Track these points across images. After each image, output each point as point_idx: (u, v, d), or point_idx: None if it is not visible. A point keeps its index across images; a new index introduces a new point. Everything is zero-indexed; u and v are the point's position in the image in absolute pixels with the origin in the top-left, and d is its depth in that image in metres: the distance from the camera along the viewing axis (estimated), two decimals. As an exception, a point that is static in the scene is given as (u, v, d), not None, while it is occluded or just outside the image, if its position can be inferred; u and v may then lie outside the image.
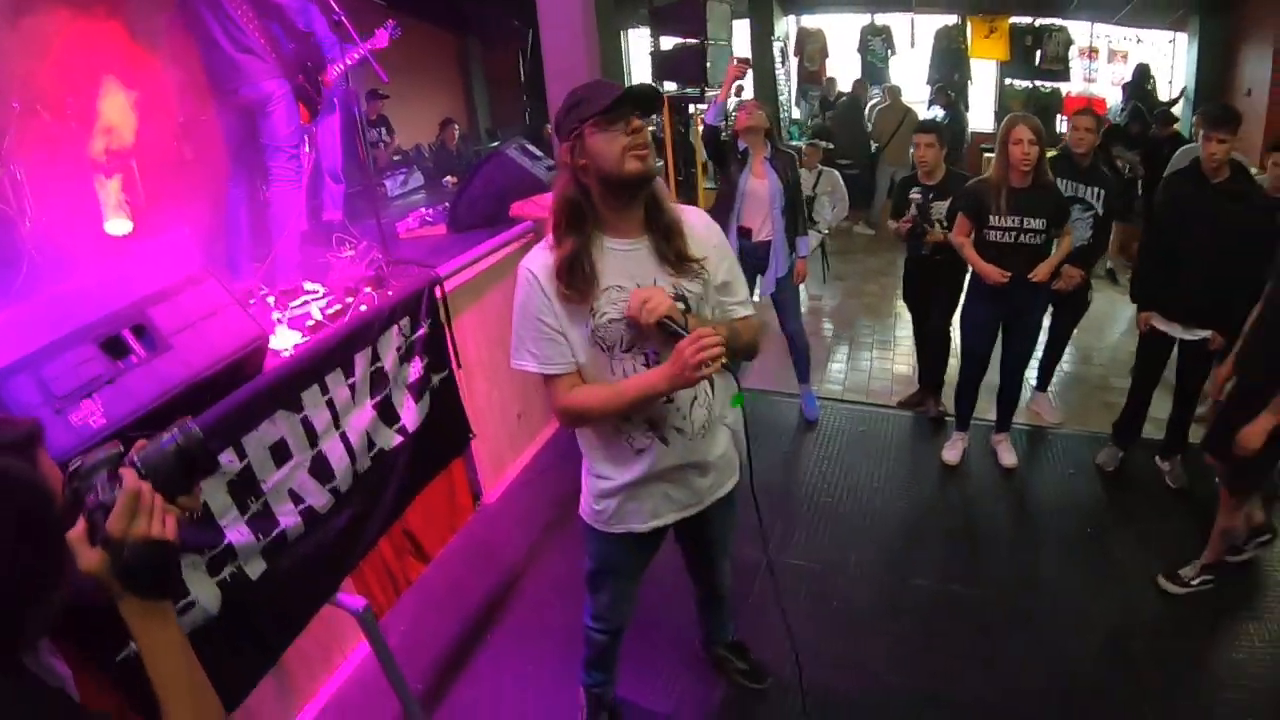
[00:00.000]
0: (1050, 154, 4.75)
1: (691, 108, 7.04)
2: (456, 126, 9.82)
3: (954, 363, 5.49)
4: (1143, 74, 11.69)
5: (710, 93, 6.00)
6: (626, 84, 2.32)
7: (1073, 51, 12.92)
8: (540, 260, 2.29)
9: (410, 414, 3.39)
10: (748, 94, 12.76)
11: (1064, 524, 4.64)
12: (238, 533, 2.53)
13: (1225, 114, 4.24)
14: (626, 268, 2.28)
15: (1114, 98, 12.22)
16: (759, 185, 5.22)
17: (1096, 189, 5.04)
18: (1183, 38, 12.10)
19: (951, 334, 5.59)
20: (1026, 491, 5.01)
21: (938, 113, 11.22)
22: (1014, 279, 4.55)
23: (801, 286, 5.70)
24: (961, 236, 4.73)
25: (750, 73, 12.72)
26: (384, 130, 8.91)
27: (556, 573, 4.16)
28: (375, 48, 4.88)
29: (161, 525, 1.33)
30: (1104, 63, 13.13)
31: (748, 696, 3.43)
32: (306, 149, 4.95)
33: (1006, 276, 4.53)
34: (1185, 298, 4.52)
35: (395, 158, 8.95)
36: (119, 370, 2.49)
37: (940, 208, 5.18)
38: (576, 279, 2.21)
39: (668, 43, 6.61)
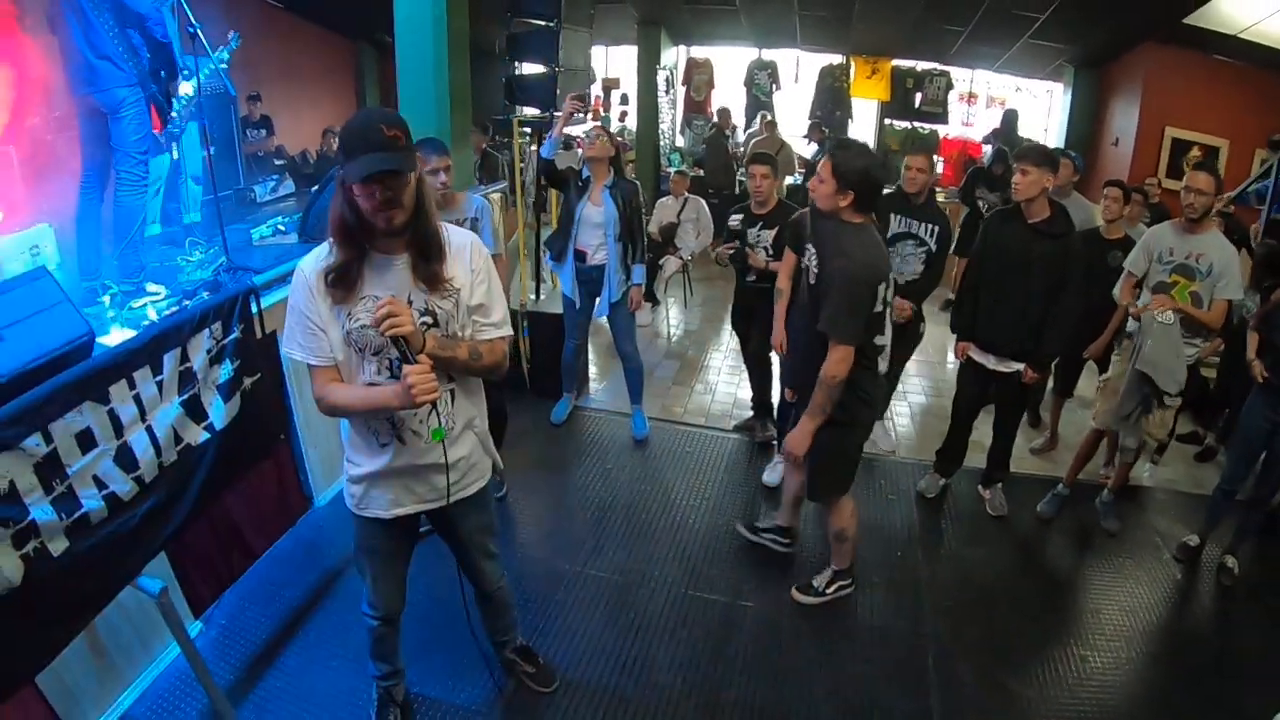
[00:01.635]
0: (887, 190, 5.01)
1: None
2: (332, 135, 9.89)
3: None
4: (1011, 119, 12.28)
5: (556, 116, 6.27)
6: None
7: (952, 96, 13.48)
8: (315, 259, 2.55)
9: (219, 413, 3.58)
10: (630, 120, 13.13)
11: (872, 548, 4.77)
12: (42, 511, 2.72)
13: (1032, 150, 4.61)
14: (385, 280, 2.52)
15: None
16: (594, 212, 5.46)
17: (930, 225, 5.21)
18: (1059, 88, 12.70)
19: (772, 358, 5.68)
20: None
21: (813, 148, 11.63)
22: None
23: (638, 314, 5.90)
24: (784, 280, 4.60)
25: (632, 99, 13.13)
26: (265, 132, 9.06)
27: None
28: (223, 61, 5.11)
29: None
30: (982, 108, 13.72)
31: (539, 696, 3.63)
32: (175, 154, 5.14)
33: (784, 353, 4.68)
34: (998, 331, 4.76)
35: (278, 161, 9.07)
36: None
37: (767, 236, 5.33)
38: (338, 285, 2.48)
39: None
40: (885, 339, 3.94)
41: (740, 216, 5.50)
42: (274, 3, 9.38)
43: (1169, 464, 5.95)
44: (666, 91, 13.63)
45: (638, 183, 5.85)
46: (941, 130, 13.53)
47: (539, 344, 6.35)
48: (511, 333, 2.83)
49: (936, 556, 4.83)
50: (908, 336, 5.62)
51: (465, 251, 2.67)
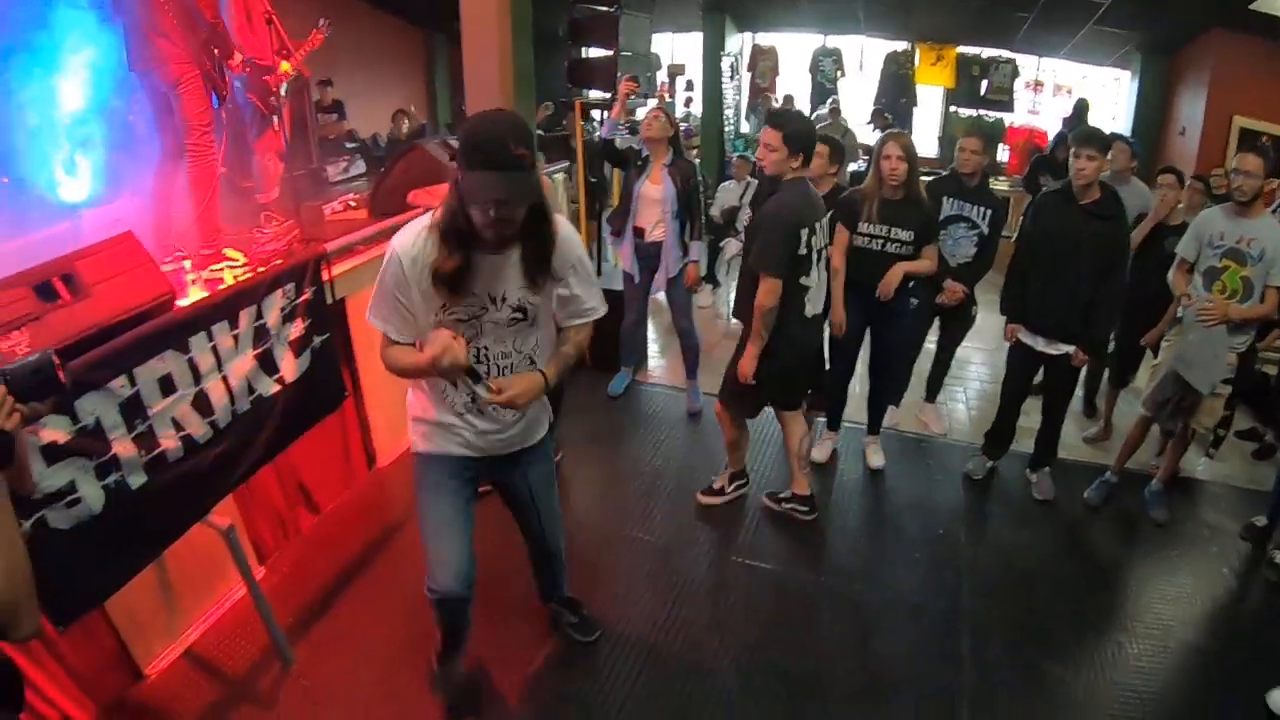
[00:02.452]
0: (942, 173, 5.15)
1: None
2: (407, 119, 10.23)
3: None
4: (1082, 108, 12.07)
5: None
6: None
7: (1018, 83, 13.37)
8: (412, 244, 2.52)
9: (289, 367, 3.82)
10: (696, 106, 13.27)
11: (916, 525, 4.91)
12: (123, 446, 2.98)
13: (1091, 134, 4.61)
14: (494, 275, 2.57)
15: (1056, 130, 12.56)
16: (654, 189, 5.63)
17: (982, 208, 5.30)
18: (1126, 75, 12.56)
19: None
20: (888, 493, 5.28)
21: (877, 135, 11.69)
22: (878, 284, 4.85)
23: (698, 294, 6.07)
24: (838, 259, 4.90)
25: (698, 85, 13.28)
26: (337, 115, 9.38)
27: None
28: (312, 46, 5.38)
29: (6, 418, 1.75)
30: (1049, 96, 13.57)
31: (581, 646, 3.83)
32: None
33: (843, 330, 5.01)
34: (1048, 312, 4.79)
35: (349, 144, 9.38)
36: (45, 310, 3.03)
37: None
38: (453, 288, 2.52)
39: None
40: (811, 281, 4.24)
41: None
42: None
43: (1225, 459, 5.89)
44: (732, 78, 13.69)
45: (696, 162, 5.97)
46: (1007, 118, 13.43)
47: (600, 320, 6.46)
48: (605, 308, 2.94)
49: (980, 538, 4.88)
50: (959, 319, 5.74)
51: (567, 244, 2.68)
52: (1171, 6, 10.06)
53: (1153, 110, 11.87)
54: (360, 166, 8.67)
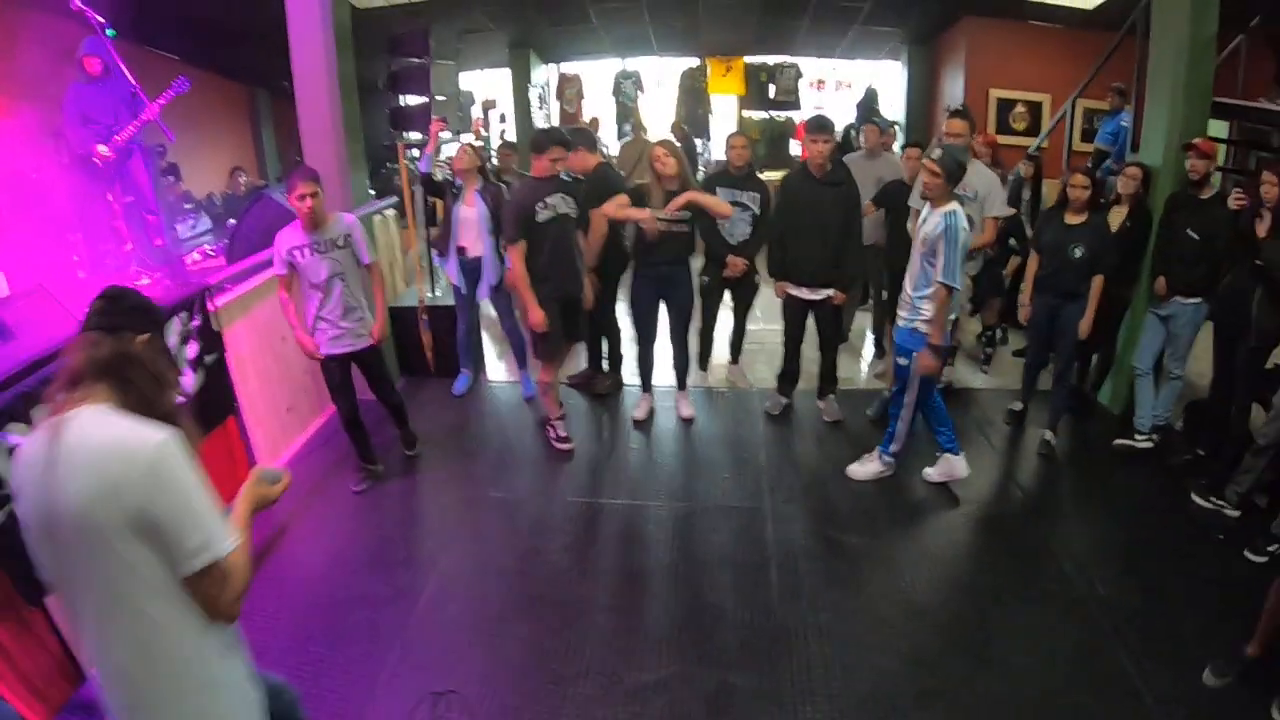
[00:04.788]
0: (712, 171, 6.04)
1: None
2: (244, 174, 10.76)
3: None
4: (871, 95, 13.64)
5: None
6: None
7: (803, 84, 14.82)
8: None
9: (189, 381, 4.56)
10: (510, 135, 14.00)
11: (725, 455, 5.88)
12: None
13: (820, 122, 5.65)
14: None
15: (842, 122, 13.88)
16: (469, 212, 6.44)
17: (752, 193, 6.17)
18: (898, 65, 14.03)
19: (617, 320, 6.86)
20: (699, 435, 6.22)
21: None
22: (665, 262, 5.83)
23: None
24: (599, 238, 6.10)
25: (511, 116, 14.03)
26: (173, 178, 9.84)
27: (316, 529, 5.18)
28: (162, 104, 6.10)
29: None
30: (831, 91, 15.09)
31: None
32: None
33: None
34: (806, 266, 5.82)
35: (186, 205, 9.81)
36: None
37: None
38: None
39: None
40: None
41: None
42: (169, 55, 9.95)
43: (1001, 373, 7.24)
44: (541, 106, 14.57)
45: (501, 185, 6.79)
46: (797, 117, 14.55)
47: (438, 333, 7.23)
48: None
49: (781, 457, 5.82)
50: (745, 287, 6.62)
51: None
52: (923, 3, 11.49)
53: (921, 93, 13.43)
54: (207, 223, 9.23)
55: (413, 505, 5.51)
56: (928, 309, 4.83)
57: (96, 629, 1.93)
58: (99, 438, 1.85)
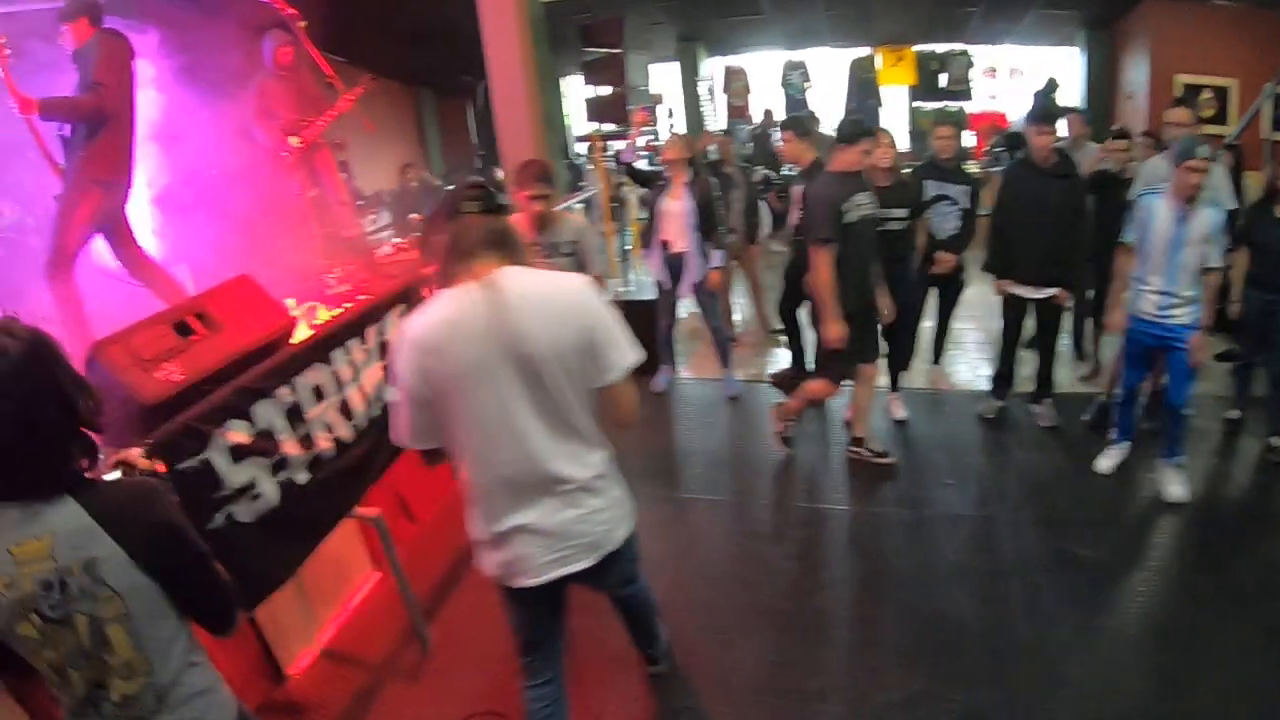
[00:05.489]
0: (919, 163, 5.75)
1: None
2: (414, 169, 10.73)
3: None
4: (1050, 86, 12.82)
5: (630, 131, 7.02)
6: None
7: (974, 73, 14.13)
8: None
9: None
10: (679, 128, 13.81)
11: (945, 458, 5.55)
12: (290, 446, 3.46)
13: (1046, 112, 5.33)
14: None
15: (1015, 113, 13.42)
16: (675, 205, 6.20)
17: (961, 187, 5.83)
18: (1074, 51, 13.27)
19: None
20: (916, 437, 5.91)
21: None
22: (885, 259, 5.35)
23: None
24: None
25: (677, 111, 13.85)
26: (344, 174, 9.88)
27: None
28: (352, 99, 5.96)
29: None
30: (1005, 80, 14.33)
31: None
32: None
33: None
34: (1030, 264, 5.45)
35: (359, 202, 9.89)
36: (190, 343, 3.52)
37: (797, 191, 5.86)
38: None
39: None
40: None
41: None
42: (335, 57, 10.12)
43: (1207, 378, 6.37)
44: (710, 99, 14.38)
45: (713, 179, 6.47)
46: (968, 106, 14.11)
47: (635, 328, 6.94)
48: None
49: (1000, 463, 5.47)
50: (953, 286, 6.28)
51: None
52: None
53: (1101, 80, 12.66)
54: (387, 218, 9.24)
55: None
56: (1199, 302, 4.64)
57: (534, 446, 2.42)
58: (539, 285, 2.39)
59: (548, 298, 2.36)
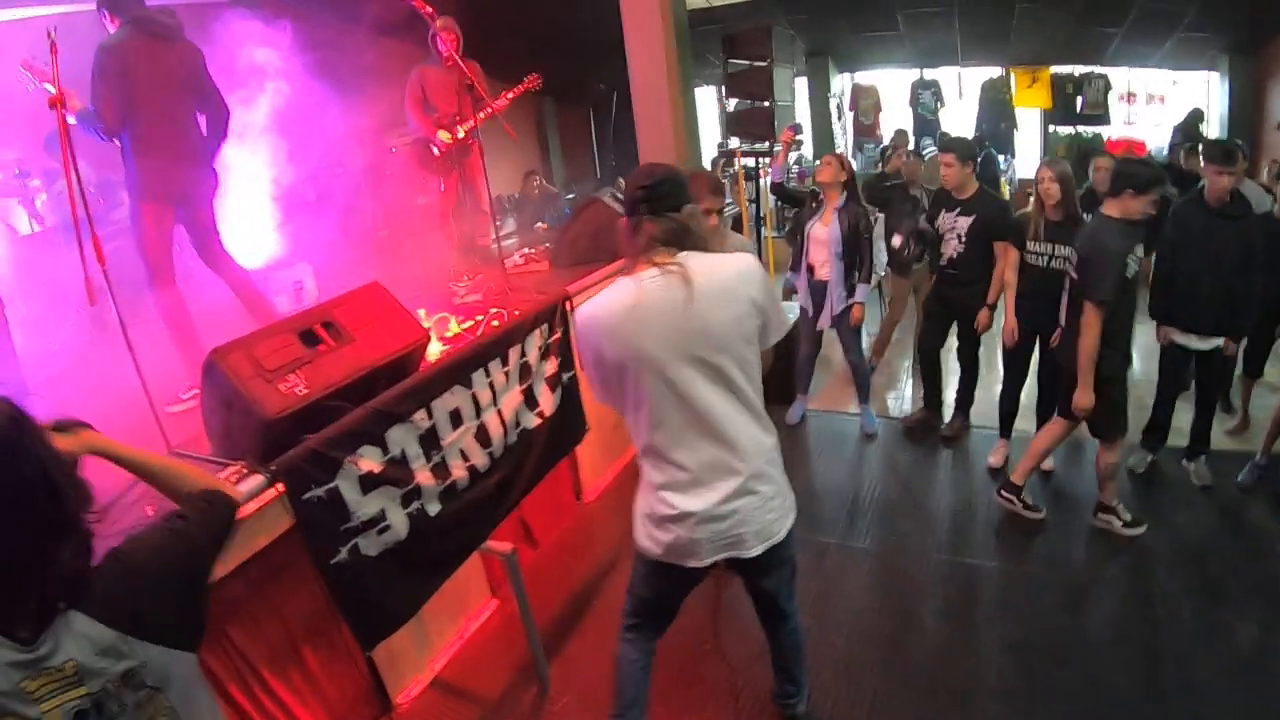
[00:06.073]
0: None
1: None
2: (539, 177, 10.60)
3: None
4: (1196, 116, 12.14)
5: (776, 148, 6.69)
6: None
7: (1112, 96, 13.34)
8: None
9: (547, 401, 4.09)
10: (806, 149, 13.48)
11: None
12: (424, 476, 3.24)
13: (1226, 151, 4.85)
14: None
15: (1154, 140, 12.80)
16: (822, 230, 5.85)
17: None
18: (1215, 77, 12.62)
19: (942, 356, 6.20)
20: (1063, 490, 5.43)
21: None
22: (1044, 297, 5.02)
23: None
24: (1010, 274, 5.33)
25: (808, 128, 13.52)
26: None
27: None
28: (512, 98, 5.78)
29: None
30: (1143, 105, 13.52)
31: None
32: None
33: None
34: (1198, 311, 5.01)
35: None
36: (316, 354, 3.26)
37: (964, 223, 5.55)
38: None
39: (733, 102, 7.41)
40: None
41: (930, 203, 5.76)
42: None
43: None
44: (838, 118, 13.96)
45: (866, 207, 6.02)
46: (1105, 132, 13.41)
47: (772, 352, 6.64)
48: None
49: (1152, 523, 4.96)
50: None
51: None
52: (1253, 5, 10.19)
53: (1245, 108, 11.97)
54: (512, 225, 9.03)
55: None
56: None
57: (715, 429, 2.52)
58: (717, 271, 2.48)
59: (725, 282, 2.47)
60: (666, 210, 2.50)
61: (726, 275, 2.48)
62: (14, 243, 5.55)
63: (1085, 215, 5.26)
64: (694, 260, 2.46)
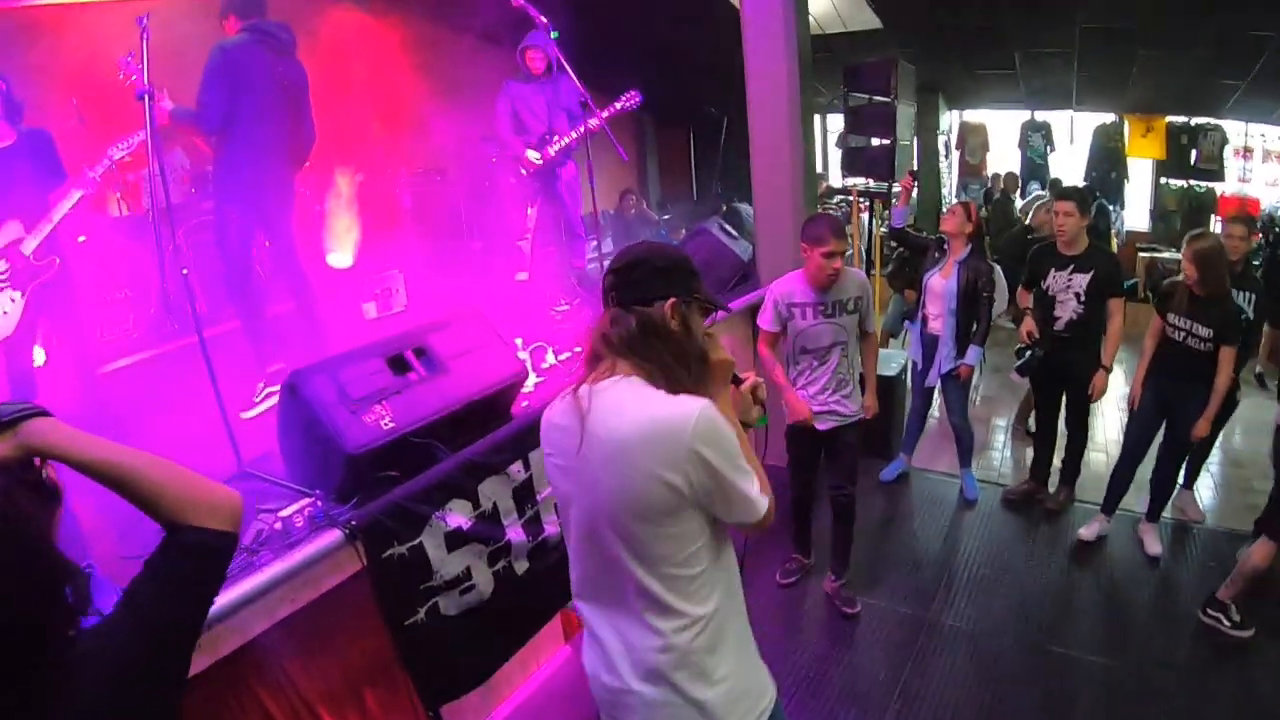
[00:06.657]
0: None
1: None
2: (634, 197, 10.44)
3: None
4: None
5: (896, 189, 6.41)
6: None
7: (1228, 151, 12.79)
8: None
9: None
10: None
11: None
12: (515, 532, 3.00)
13: None
14: None
15: (1268, 198, 12.33)
16: (939, 283, 5.56)
17: (1246, 293, 5.09)
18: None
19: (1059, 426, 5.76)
20: (1168, 579, 5.09)
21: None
22: (1176, 373, 4.79)
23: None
24: (1149, 340, 4.98)
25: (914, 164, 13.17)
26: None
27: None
28: (609, 116, 5.53)
29: None
30: (1258, 163, 12.95)
31: None
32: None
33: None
34: None
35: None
36: (405, 384, 3.03)
37: (1080, 280, 5.15)
38: None
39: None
40: None
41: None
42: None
43: None
44: (945, 156, 13.60)
45: (993, 265, 5.71)
46: (1219, 188, 12.86)
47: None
48: None
49: (1260, 621, 4.57)
50: (1227, 404, 5.27)
51: None
52: None
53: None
54: (609, 245, 8.78)
55: (840, 617, 4.75)
56: None
57: (604, 614, 2.04)
58: (618, 424, 1.86)
59: (623, 442, 1.86)
60: (634, 303, 1.96)
61: (625, 434, 1.84)
62: (102, 226, 5.42)
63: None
64: (607, 396, 1.90)
